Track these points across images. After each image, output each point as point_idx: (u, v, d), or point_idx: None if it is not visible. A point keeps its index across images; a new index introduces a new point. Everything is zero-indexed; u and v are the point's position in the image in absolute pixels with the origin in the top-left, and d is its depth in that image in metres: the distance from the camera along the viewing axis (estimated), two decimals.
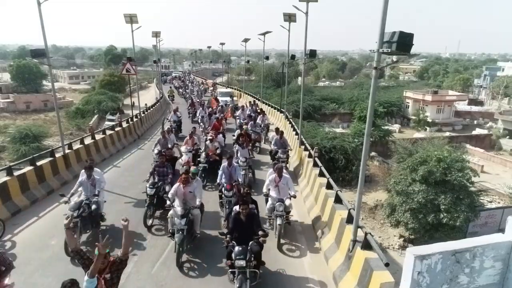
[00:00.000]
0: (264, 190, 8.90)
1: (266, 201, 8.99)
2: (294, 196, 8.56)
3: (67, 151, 12.73)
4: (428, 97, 49.40)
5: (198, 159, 13.08)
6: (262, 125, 18.72)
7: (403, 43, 4.92)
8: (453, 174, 17.61)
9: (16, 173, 10.07)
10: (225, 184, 9.27)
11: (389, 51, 5.06)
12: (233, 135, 15.95)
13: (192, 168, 8.62)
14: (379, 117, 35.31)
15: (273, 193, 8.71)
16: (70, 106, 51.85)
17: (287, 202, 8.44)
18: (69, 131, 37.91)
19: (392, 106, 49.02)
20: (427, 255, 4.08)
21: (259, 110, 22.26)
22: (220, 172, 9.75)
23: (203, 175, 11.89)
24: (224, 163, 9.92)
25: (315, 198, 9.54)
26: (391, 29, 5.27)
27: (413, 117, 49.56)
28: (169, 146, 13.14)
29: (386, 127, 36.44)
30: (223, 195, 9.24)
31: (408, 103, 52.62)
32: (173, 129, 18.05)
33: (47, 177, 11.14)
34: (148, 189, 9.11)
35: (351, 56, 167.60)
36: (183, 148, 13.17)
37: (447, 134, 41.54)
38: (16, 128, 36.05)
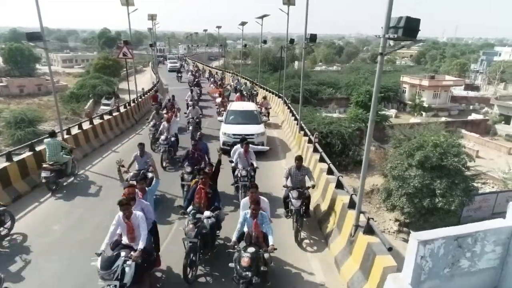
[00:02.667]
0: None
1: None
2: None
3: (65, 136, 12.65)
4: (425, 82, 49.38)
5: None
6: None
7: (409, 28, 4.88)
8: (449, 159, 17.74)
9: (15, 158, 10.03)
10: None
11: (395, 36, 5.02)
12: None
13: None
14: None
15: None
16: (65, 90, 51.26)
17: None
18: (64, 116, 37.49)
19: (388, 91, 48.98)
20: (430, 240, 4.17)
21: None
22: None
23: None
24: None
25: (316, 183, 9.60)
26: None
27: (410, 102, 49.66)
28: None
29: (382, 112, 36.48)
30: None
31: (405, 88, 52.61)
32: None
33: None
34: None
35: (348, 40, 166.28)
36: None
37: (443, 119, 41.72)
38: (11, 113, 35.66)
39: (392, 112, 45.85)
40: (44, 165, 9.90)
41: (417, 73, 61.97)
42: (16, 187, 9.59)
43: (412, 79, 52.26)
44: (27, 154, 10.56)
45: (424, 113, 46.98)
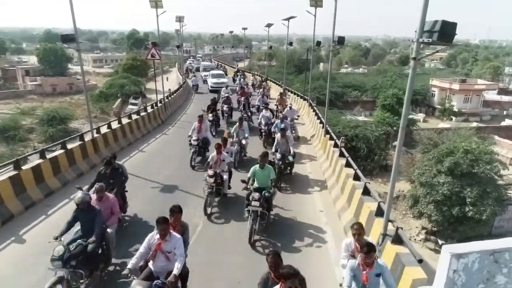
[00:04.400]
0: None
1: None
2: None
3: (95, 135, 13.01)
4: (456, 86, 47.86)
5: None
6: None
7: (445, 32, 4.71)
8: (481, 166, 17.20)
9: (48, 155, 10.39)
10: None
11: (429, 41, 4.86)
12: None
13: None
14: (402, 105, 34.50)
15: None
16: (94, 90, 52.91)
17: None
18: (94, 114, 38.73)
19: (416, 95, 47.69)
20: (464, 254, 3.98)
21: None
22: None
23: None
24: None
25: (341, 189, 9.44)
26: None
27: (439, 106, 48.21)
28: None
29: (410, 116, 35.61)
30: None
31: (434, 91, 51.16)
32: None
33: (77, 160, 11.45)
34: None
35: (375, 42, 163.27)
36: None
37: (474, 124, 40.26)
38: (44, 111, 37.17)
39: (420, 116, 44.67)
40: None
41: (447, 76, 60.12)
42: (49, 184, 9.93)
43: (441, 82, 50.75)
44: (59, 152, 10.93)
45: (454, 118, 45.50)
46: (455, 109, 46.54)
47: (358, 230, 5.12)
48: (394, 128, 31.48)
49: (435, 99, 50.48)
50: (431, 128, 33.52)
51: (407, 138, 31.79)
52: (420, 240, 18.68)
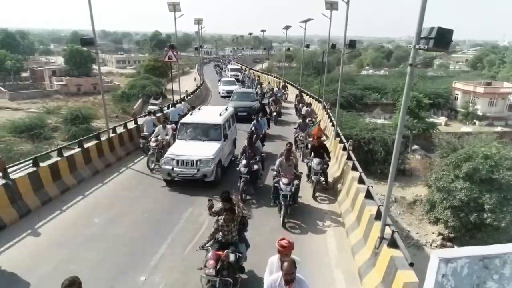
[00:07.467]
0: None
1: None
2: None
3: (111, 134, 13.46)
4: (480, 89, 46.53)
5: None
6: None
7: (441, 39, 4.73)
8: (501, 172, 16.74)
9: (65, 154, 10.86)
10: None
11: (425, 47, 4.89)
12: None
13: None
14: (423, 109, 33.89)
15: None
16: (117, 90, 54.36)
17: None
18: (115, 114, 39.89)
19: (439, 98, 46.65)
20: (452, 259, 4.01)
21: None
22: None
23: None
24: None
25: (347, 191, 9.48)
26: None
27: (462, 110, 47.00)
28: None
29: (430, 120, 34.93)
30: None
31: (457, 94, 49.88)
32: None
33: (93, 159, 11.88)
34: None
35: (398, 44, 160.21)
36: None
37: (499, 129, 39.07)
38: (68, 110, 38.51)
39: (441, 119, 43.68)
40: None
41: (473, 79, 58.39)
42: (65, 181, 10.38)
43: (465, 85, 49.42)
44: (76, 150, 11.39)
45: (477, 122, 44.23)
46: (479, 113, 45.27)
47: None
48: (414, 131, 30.98)
49: (458, 102, 49.25)
50: (450, 132, 32.78)
51: (426, 142, 31.23)
52: (436, 246, 18.32)
